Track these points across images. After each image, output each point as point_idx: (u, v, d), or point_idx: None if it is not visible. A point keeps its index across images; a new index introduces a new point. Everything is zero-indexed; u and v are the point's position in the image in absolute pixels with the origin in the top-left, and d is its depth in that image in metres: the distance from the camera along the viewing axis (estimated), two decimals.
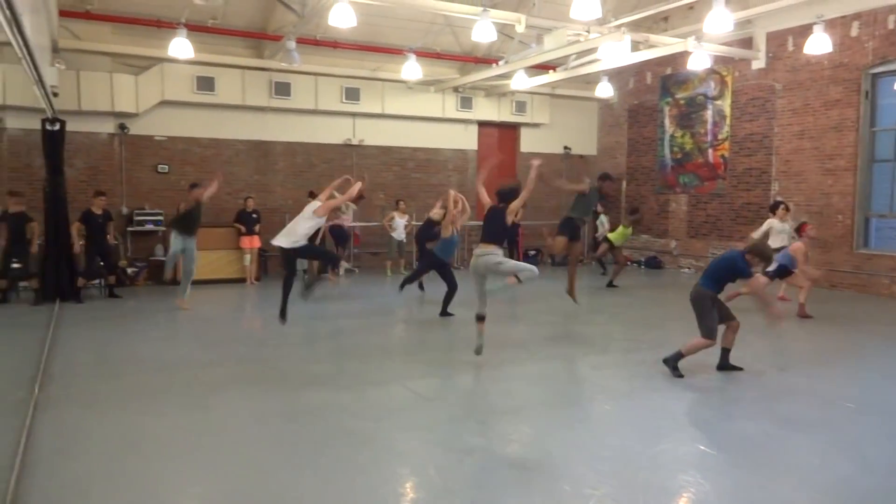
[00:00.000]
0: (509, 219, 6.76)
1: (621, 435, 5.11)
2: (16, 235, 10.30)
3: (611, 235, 13.08)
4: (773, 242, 9.62)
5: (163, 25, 11.99)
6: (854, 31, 11.91)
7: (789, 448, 4.85)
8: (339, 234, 13.15)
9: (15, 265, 10.48)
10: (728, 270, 6.56)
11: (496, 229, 6.85)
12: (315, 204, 7.92)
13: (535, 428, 5.27)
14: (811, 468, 4.51)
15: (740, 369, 6.73)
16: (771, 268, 9.24)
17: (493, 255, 6.66)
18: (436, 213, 10.75)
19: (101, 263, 10.94)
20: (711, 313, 6.50)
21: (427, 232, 10.74)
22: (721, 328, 6.68)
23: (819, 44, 11.14)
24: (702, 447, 4.87)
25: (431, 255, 10.01)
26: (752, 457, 4.65)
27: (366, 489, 4.08)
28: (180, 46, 11.09)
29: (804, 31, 11.92)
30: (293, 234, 7.74)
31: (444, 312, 9.47)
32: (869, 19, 11.70)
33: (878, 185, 12.17)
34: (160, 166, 13.30)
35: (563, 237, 9.67)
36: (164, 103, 13.04)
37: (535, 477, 4.34)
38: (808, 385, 6.43)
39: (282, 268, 8.02)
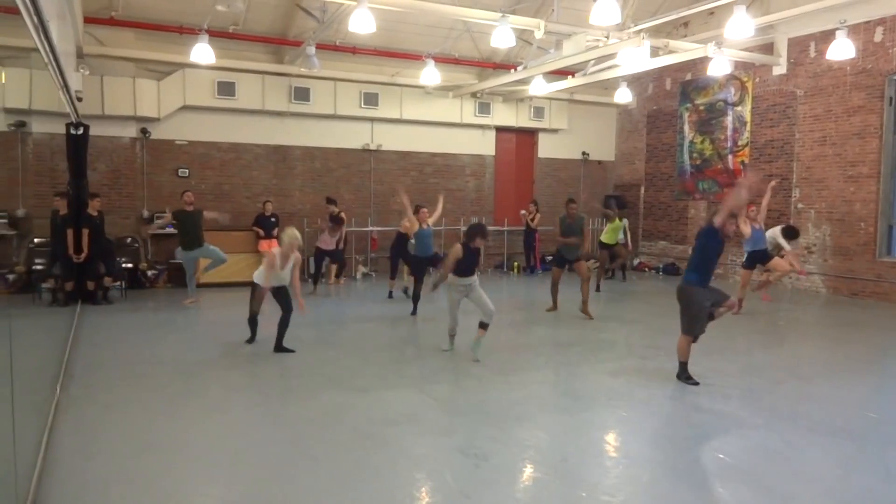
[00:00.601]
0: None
1: (639, 442, 5.08)
2: (61, 237, 10.35)
3: (603, 238, 13.27)
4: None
5: (185, 31, 12.14)
6: (878, 37, 11.77)
7: (811, 458, 4.78)
8: (319, 258, 12.87)
9: (38, 266, 10.60)
10: (704, 251, 6.44)
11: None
12: (273, 251, 7.86)
13: (552, 434, 5.25)
14: (833, 478, 4.44)
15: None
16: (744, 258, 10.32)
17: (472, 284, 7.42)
18: (406, 226, 10.93)
19: (103, 266, 10.88)
20: (693, 309, 6.39)
21: (402, 245, 10.86)
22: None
23: (842, 49, 11.01)
24: (721, 455, 4.82)
25: (415, 259, 10.28)
26: (773, 466, 4.60)
27: (382, 493, 4.09)
28: (202, 52, 11.21)
29: (826, 36, 11.80)
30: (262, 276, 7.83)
31: None
32: (893, 24, 11.54)
33: None
34: (181, 170, 13.44)
35: (557, 269, 10.48)
36: (186, 108, 13.19)
37: (551, 483, 4.33)
38: (829, 394, 6.34)
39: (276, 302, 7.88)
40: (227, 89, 13.28)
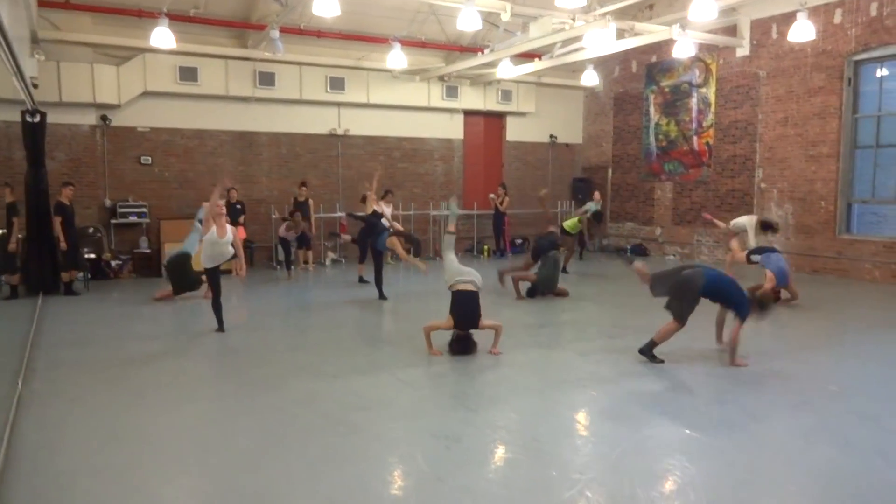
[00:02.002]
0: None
1: (607, 420, 5.16)
2: (9, 227, 10.14)
3: (565, 224, 13.45)
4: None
5: (144, 15, 11.83)
6: (837, 19, 11.98)
7: (773, 431, 4.91)
8: (285, 244, 12.82)
9: None
10: (725, 298, 6.63)
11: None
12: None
13: (522, 414, 5.30)
14: (795, 450, 4.57)
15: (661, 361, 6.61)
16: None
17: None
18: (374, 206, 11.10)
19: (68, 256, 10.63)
20: (693, 303, 6.51)
21: (369, 229, 10.83)
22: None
23: (802, 31, 11.18)
24: (687, 431, 4.92)
25: (374, 249, 10.40)
26: (737, 440, 4.71)
27: (354, 478, 4.09)
28: (162, 36, 10.90)
29: (788, 18, 11.97)
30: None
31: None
32: (852, 6, 11.77)
33: (860, 171, 12.30)
34: (143, 158, 13.16)
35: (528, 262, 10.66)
36: (147, 94, 12.89)
37: (522, 463, 4.37)
38: (791, 369, 6.50)
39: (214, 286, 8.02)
40: (189, 74, 13.01)
